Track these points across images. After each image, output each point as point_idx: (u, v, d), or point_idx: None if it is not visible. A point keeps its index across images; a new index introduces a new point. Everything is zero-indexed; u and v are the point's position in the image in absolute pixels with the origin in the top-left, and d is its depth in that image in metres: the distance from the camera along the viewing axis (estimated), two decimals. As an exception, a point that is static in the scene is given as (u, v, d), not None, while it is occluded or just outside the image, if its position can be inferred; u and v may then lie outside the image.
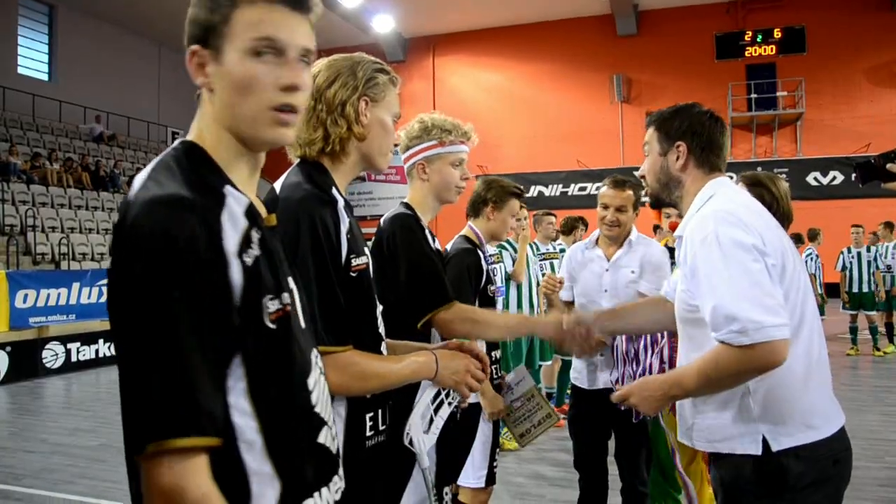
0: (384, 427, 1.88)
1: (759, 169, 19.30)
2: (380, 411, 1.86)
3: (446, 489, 2.54)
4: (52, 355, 10.55)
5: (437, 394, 2.00)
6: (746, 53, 20.38)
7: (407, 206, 2.55)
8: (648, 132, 2.21)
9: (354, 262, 1.76)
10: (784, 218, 2.92)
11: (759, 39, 20.28)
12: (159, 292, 1.02)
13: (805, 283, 1.96)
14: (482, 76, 22.71)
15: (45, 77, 20.74)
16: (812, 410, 1.90)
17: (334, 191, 1.81)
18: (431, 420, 2.01)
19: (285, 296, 1.21)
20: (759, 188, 2.91)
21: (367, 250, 1.88)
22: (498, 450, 3.19)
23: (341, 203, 1.79)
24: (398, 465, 2.09)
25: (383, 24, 21.68)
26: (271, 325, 1.16)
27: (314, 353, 1.33)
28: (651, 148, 2.19)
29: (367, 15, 20.96)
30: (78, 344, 10.88)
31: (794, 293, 1.90)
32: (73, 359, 10.79)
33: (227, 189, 1.19)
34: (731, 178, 2.26)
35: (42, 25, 20.90)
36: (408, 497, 2.15)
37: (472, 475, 2.97)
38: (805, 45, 19.94)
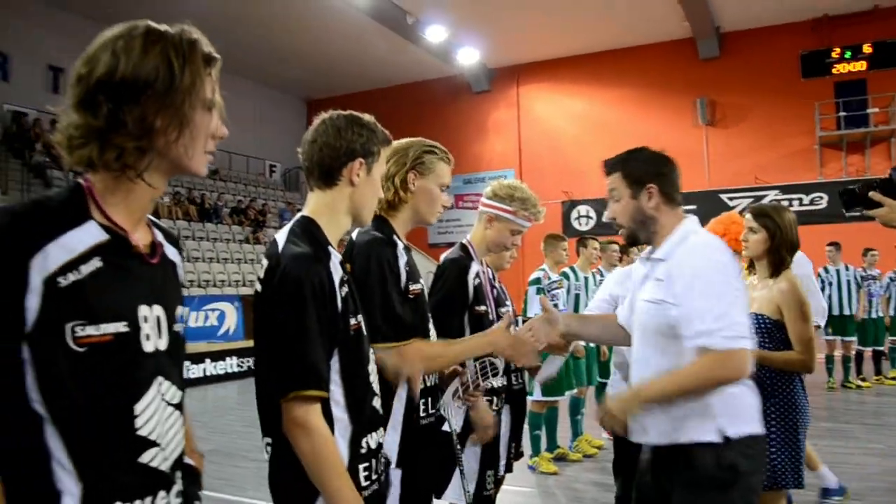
0: (433, 411, 2.50)
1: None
2: (430, 398, 2.47)
3: (489, 472, 2.95)
4: (166, 373, 11.49)
5: (485, 365, 2.66)
6: (834, 70, 19.93)
7: (464, 247, 3.14)
8: (612, 178, 2.45)
9: (411, 287, 2.40)
10: (791, 247, 3.25)
11: (847, 55, 19.84)
12: (301, 310, 1.77)
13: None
14: (565, 103, 23.03)
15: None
16: (755, 407, 2.32)
17: (395, 237, 2.47)
18: (478, 385, 2.69)
19: (359, 316, 1.97)
20: (764, 218, 3.26)
21: (422, 280, 2.52)
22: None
23: (401, 246, 2.45)
24: (443, 445, 2.68)
25: (468, 57, 22.34)
26: (352, 333, 1.91)
27: (370, 349, 2.04)
28: (620, 193, 2.43)
29: (452, 48, 21.67)
30: (188, 363, 11.78)
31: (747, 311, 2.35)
32: (184, 376, 11.68)
33: (330, 249, 1.95)
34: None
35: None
36: (457, 477, 2.75)
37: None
38: (898, 60, 19.33)
